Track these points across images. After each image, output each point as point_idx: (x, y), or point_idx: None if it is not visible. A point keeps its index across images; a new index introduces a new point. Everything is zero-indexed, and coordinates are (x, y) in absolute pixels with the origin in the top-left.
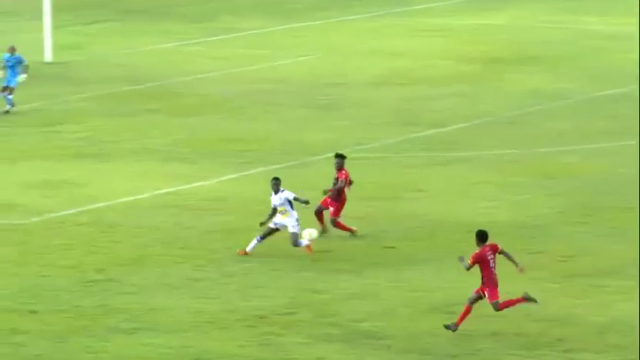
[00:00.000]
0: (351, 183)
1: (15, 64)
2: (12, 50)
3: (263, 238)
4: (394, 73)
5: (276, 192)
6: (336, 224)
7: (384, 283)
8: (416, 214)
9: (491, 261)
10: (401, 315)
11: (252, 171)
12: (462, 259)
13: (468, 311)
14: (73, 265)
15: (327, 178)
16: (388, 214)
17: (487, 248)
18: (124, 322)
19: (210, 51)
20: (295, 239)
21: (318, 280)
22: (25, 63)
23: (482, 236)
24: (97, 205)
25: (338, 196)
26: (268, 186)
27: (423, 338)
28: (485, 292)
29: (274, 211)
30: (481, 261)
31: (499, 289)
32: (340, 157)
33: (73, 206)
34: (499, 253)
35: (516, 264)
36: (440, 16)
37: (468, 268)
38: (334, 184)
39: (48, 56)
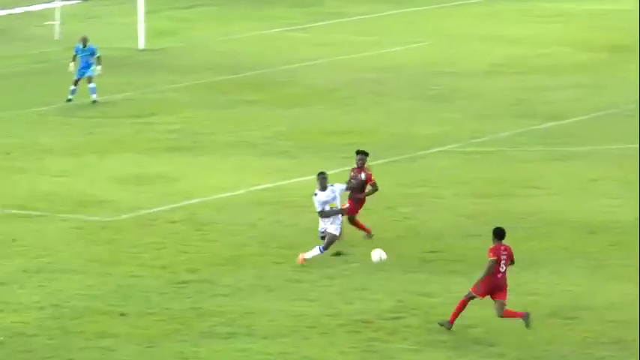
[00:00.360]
0: (374, 186)
1: (87, 56)
2: (84, 41)
3: (325, 248)
4: (510, 62)
5: (324, 188)
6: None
7: None
8: (531, 212)
9: (502, 262)
10: (515, 321)
11: None
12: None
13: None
14: (165, 265)
15: (436, 173)
16: (501, 212)
17: (503, 247)
18: (218, 327)
19: (315, 37)
20: (332, 240)
21: (428, 282)
22: (98, 55)
23: (499, 233)
24: (190, 202)
25: (359, 195)
26: (377, 181)
27: (539, 346)
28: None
29: (322, 213)
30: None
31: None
32: (362, 153)
33: (165, 203)
34: (511, 263)
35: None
36: (560, 0)
37: (491, 265)
38: (350, 182)
39: (141, 43)
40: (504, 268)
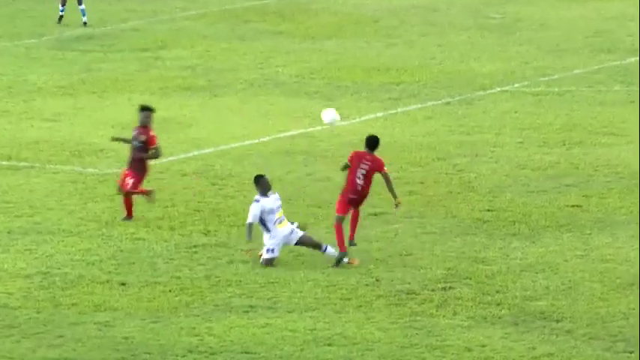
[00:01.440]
0: (156, 150)
1: None
2: None
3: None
4: None
5: (265, 193)
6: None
7: (566, 251)
8: (611, 164)
9: (360, 170)
10: (586, 292)
11: (405, 109)
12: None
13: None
14: (174, 225)
15: (496, 118)
16: (575, 164)
17: (369, 157)
18: (236, 299)
19: None
20: (308, 241)
21: (484, 247)
22: None
23: (370, 142)
24: (205, 151)
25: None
26: (425, 127)
27: (613, 321)
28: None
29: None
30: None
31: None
32: (147, 110)
33: (175, 152)
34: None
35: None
36: None
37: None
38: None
39: None
40: (362, 180)
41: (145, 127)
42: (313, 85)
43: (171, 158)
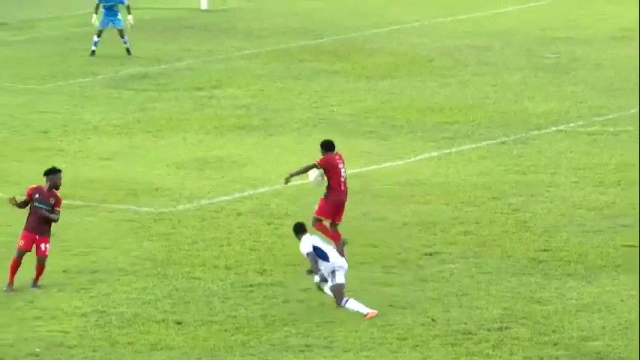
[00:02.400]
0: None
1: (113, 6)
2: None
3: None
4: None
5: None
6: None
7: (622, 291)
8: None
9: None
10: None
11: (459, 148)
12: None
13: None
14: (230, 264)
15: (551, 157)
16: (631, 204)
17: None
18: (292, 338)
19: None
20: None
21: (540, 287)
22: (126, 4)
23: (330, 145)
24: (260, 190)
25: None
26: (480, 166)
27: None
28: None
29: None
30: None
31: None
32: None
33: (230, 191)
34: None
35: None
36: None
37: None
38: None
39: (204, 2)
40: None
41: (55, 189)
42: (368, 124)
43: (226, 197)
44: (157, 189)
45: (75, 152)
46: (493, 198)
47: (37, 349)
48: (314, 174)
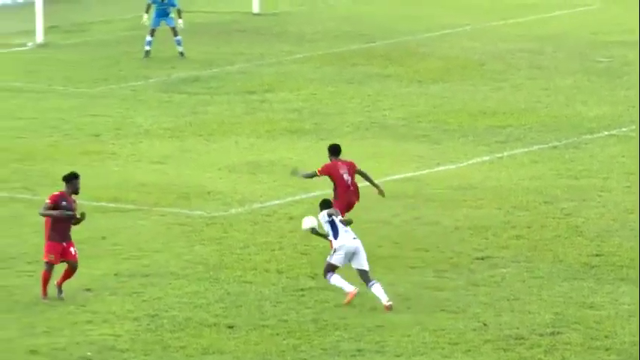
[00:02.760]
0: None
1: (166, 7)
2: None
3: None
4: None
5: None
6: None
7: None
8: None
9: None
10: None
11: (511, 152)
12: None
13: None
14: (282, 269)
15: (604, 162)
16: None
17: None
18: (343, 342)
19: (461, 0)
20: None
21: (592, 292)
22: (178, 7)
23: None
24: (313, 194)
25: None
26: (531, 171)
27: None
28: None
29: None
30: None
31: None
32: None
33: (283, 195)
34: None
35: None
36: None
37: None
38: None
39: (256, 6)
40: (350, 179)
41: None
42: (420, 128)
43: (278, 202)
44: (208, 192)
45: (127, 156)
46: (545, 202)
47: (89, 353)
48: (308, 224)
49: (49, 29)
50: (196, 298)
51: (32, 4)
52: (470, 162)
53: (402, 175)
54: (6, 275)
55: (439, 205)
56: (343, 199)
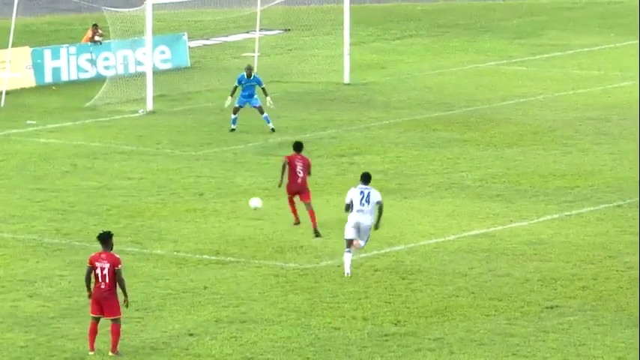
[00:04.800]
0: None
1: (252, 86)
2: (249, 71)
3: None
4: None
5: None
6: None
7: None
8: None
9: (299, 168)
10: None
11: (579, 211)
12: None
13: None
14: (367, 316)
15: None
16: None
17: (299, 157)
18: None
19: (534, 71)
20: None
21: None
22: (263, 86)
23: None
24: (396, 248)
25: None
26: (597, 228)
27: None
28: None
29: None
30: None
31: None
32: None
33: (369, 249)
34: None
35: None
36: None
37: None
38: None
39: (346, 76)
40: (302, 173)
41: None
42: (495, 188)
43: (365, 255)
44: (301, 246)
45: (228, 213)
46: (609, 257)
47: None
48: (254, 203)
49: (157, 97)
50: (289, 342)
51: (143, 75)
52: (540, 219)
53: (478, 232)
54: None
55: (511, 258)
56: (290, 184)
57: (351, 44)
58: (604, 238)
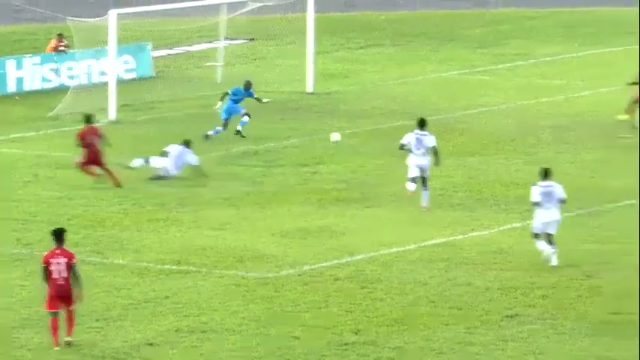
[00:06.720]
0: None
1: (240, 100)
2: (247, 85)
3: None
4: None
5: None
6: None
7: None
8: None
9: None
10: None
11: None
12: None
13: None
14: (328, 325)
15: (626, 229)
16: None
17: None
18: None
19: (497, 81)
20: None
21: (611, 346)
22: (255, 96)
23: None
24: (357, 258)
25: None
26: (558, 236)
27: None
28: None
29: None
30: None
31: None
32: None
33: (329, 258)
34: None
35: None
36: None
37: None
38: None
39: (310, 86)
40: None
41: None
42: (456, 197)
43: (325, 264)
44: (262, 256)
45: (189, 222)
46: (569, 265)
47: None
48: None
49: (121, 107)
50: (249, 352)
51: (107, 85)
52: (501, 228)
53: (438, 241)
54: (76, 332)
55: (472, 267)
56: (85, 157)
57: (314, 53)
58: (564, 247)
